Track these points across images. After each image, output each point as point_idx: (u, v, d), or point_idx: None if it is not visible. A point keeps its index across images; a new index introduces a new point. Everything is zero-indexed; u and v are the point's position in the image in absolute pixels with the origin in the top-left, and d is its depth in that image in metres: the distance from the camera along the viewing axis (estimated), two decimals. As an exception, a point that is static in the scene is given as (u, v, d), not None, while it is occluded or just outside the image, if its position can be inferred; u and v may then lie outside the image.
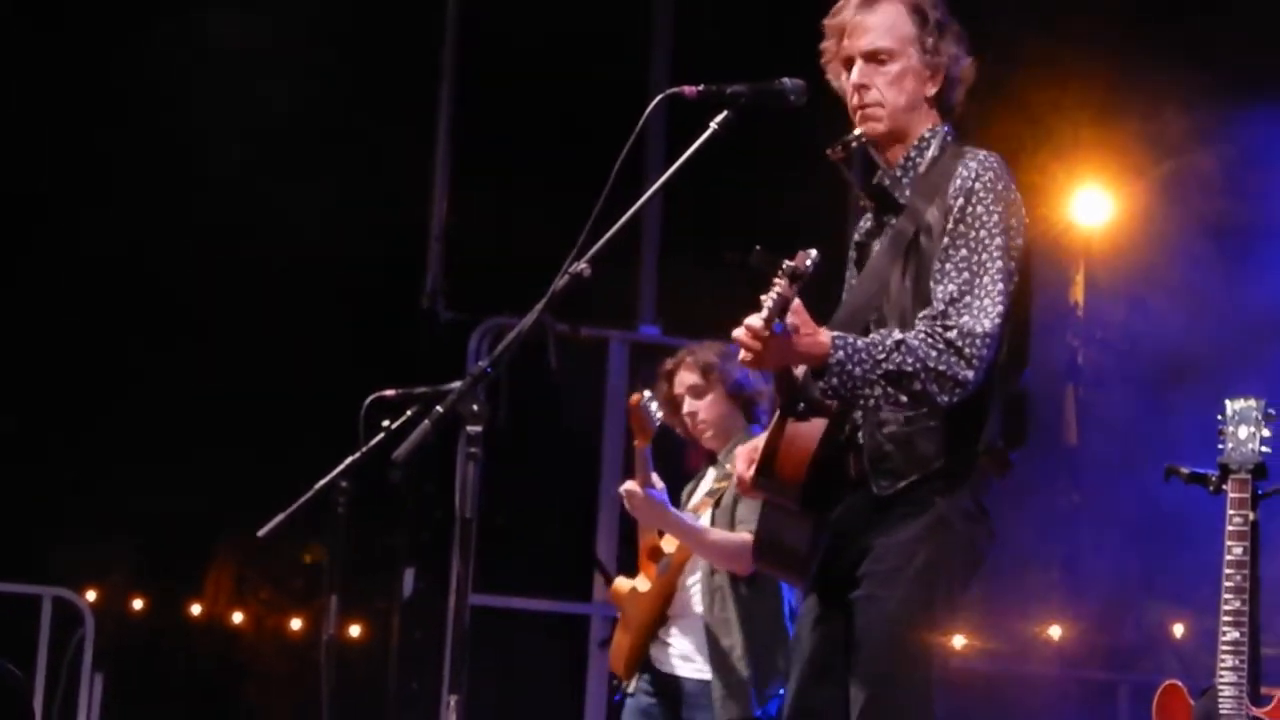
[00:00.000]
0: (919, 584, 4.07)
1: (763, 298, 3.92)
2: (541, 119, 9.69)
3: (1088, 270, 10.42)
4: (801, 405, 4.19)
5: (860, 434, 4.17)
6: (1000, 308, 4.04)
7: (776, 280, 3.89)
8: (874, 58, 4.28)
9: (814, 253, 3.97)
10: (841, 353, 3.96)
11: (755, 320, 3.89)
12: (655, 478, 5.93)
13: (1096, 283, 10.40)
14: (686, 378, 6.09)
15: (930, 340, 4.00)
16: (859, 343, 3.99)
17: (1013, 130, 8.97)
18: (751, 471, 4.28)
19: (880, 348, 3.98)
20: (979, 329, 4.00)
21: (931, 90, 4.30)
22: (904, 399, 4.01)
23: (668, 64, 9.81)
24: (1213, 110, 9.41)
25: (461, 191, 9.67)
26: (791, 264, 3.89)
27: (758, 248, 3.97)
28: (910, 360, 3.97)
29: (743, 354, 4.01)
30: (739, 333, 3.96)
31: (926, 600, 4.09)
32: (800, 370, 4.16)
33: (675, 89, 4.22)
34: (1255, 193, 9.45)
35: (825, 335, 3.97)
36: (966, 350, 3.99)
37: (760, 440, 4.37)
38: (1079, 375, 10.30)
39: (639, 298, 9.77)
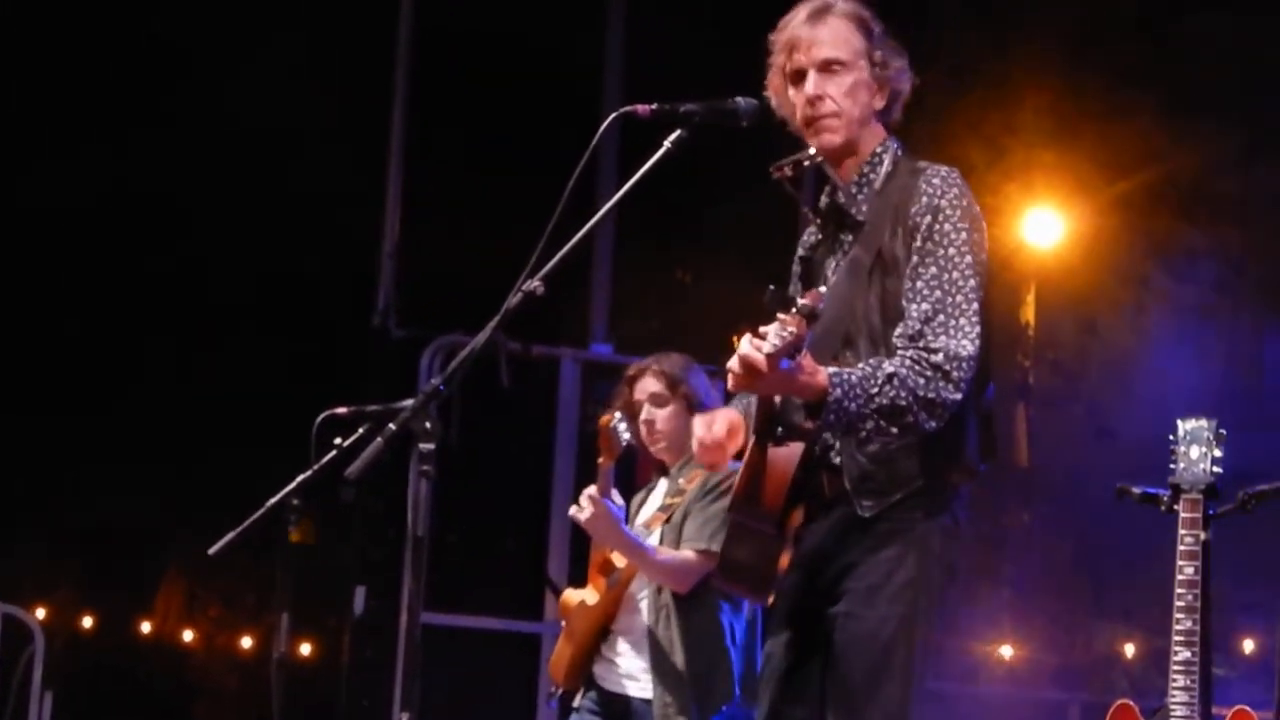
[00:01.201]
0: (900, 602, 4.08)
1: (765, 328, 3.90)
2: (495, 136, 9.68)
3: (1039, 291, 10.47)
4: (780, 430, 4.19)
5: (834, 454, 4.18)
6: (978, 327, 4.06)
7: (788, 318, 3.88)
8: (827, 68, 4.27)
9: (824, 291, 4.00)
10: (839, 390, 3.96)
11: (768, 346, 3.87)
12: (615, 495, 5.97)
13: (1047, 303, 10.46)
14: (649, 385, 6.09)
15: (917, 368, 4.00)
16: (853, 379, 3.99)
17: (965, 150, 9.03)
18: (713, 439, 4.28)
19: (873, 382, 3.99)
20: (962, 351, 4.02)
21: (880, 104, 4.30)
22: (894, 430, 4.03)
23: (621, 82, 9.82)
24: (1164, 130, 9.48)
25: (414, 208, 9.66)
26: (806, 303, 3.90)
27: (771, 288, 3.97)
28: (903, 393, 3.98)
29: (734, 378, 3.99)
30: (747, 352, 3.93)
31: (907, 618, 4.09)
32: (779, 397, 4.17)
33: (628, 108, 4.22)
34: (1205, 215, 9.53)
35: (824, 375, 3.96)
36: (953, 374, 4.01)
37: (719, 410, 4.40)
38: (1030, 395, 10.35)
39: (591, 316, 9.77)
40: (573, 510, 5.89)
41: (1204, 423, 5.36)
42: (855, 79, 4.27)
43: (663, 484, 6.20)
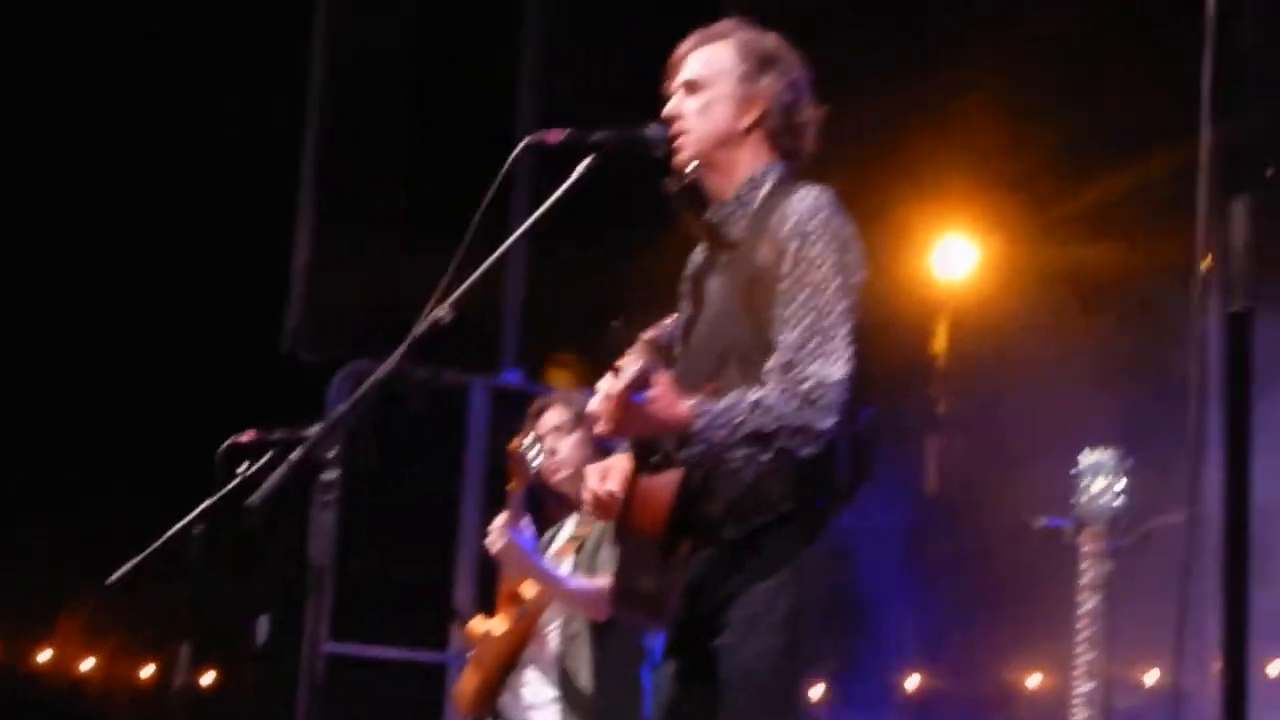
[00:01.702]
0: (781, 632, 4.08)
1: (620, 363, 3.96)
2: (408, 161, 9.67)
3: (951, 320, 10.53)
4: (655, 458, 4.19)
5: (712, 480, 4.16)
6: (849, 351, 4.07)
7: (637, 349, 3.92)
8: (687, 88, 4.35)
9: (671, 321, 4.03)
10: (703, 420, 3.97)
11: (614, 387, 3.92)
12: (526, 521, 5.97)
13: (960, 333, 10.51)
14: (554, 416, 6.14)
15: (787, 396, 4.01)
16: (718, 407, 3.99)
17: (878, 180, 9.07)
18: (606, 492, 4.31)
19: (740, 410, 3.99)
20: (833, 377, 4.03)
21: (746, 121, 4.31)
22: (765, 458, 4.02)
23: (536, 108, 9.85)
24: (1080, 161, 9.56)
25: (326, 233, 9.64)
26: (651, 335, 3.94)
27: (614, 322, 4.01)
28: (771, 420, 3.98)
29: (600, 423, 4.03)
30: (597, 401, 4.00)
31: (789, 647, 4.09)
32: None
33: (539, 135, 4.26)
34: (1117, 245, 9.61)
35: (685, 405, 3.97)
36: (824, 400, 4.01)
37: (613, 460, 4.39)
38: (940, 426, 10.40)
39: (502, 343, 9.78)
40: (487, 540, 5.93)
41: (1108, 454, 5.43)
42: (711, 96, 4.31)
43: (573, 518, 6.23)
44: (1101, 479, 5.38)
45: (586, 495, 4.44)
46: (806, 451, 4.03)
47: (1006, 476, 8.53)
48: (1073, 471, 5.45)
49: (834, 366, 4.05)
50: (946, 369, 10.47)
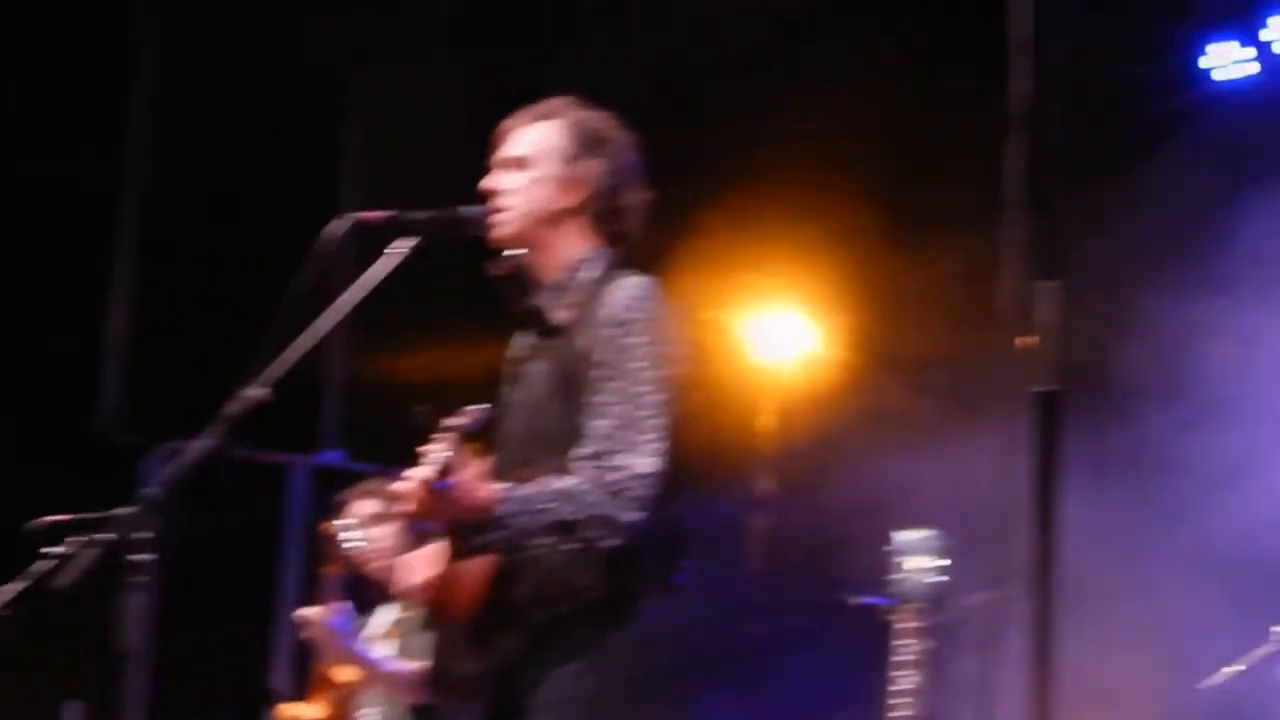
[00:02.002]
0: (583, 716, 4.08)
1: (427, 448, 3.94)
2: (229, 239, 9.60)
3: (777, 401, 10.61)
4: (467, 545, 4.16)
5: (522, 567, 4.14)
6: (660, 444, 4.05)
7: (442, 436, 3.91)
8: (510, 165, 4.34)
9: (478, 408, 4.02)
10: (507, 506, 3.95)
11: (420, 474, 3.90)
12: (342, 607, 5.94)
13: (786, 413, 10.59)
14: (365, 506, 6.13)
15: (593, 485, 3.99)
16: (523, 494, 3.98)
17: (706, 261, 9.15)
18: (420, 588, 4.30)
19: (545, 498, 3.97)
20: (641, 469, 4.01)
21: (568, 203, 4.31)
22: (569, 547, 4.01)
23: (360, 185, 9.85)
24: (901, 244, 9.71)
25: (143, 310, 9.55)
26: (456, 422, 3.93)
27: (419, 407, 3.99)
28: (575, 509, 3.96)
29: (405, 507, 3.99)
30: (402, 487, 3.96)
31: None
32: None
33: (358, 214, 4.27)
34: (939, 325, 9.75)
35: (489, 490, 3.95)
36: (630, 492, 3.99)
37: (426, 549, 4.36)
38: (766, 505, 10.46)
39: (322, 423, 9.73)
40: (302, 611, 5.89)
41: (924, 533, 5.50)
42: (535, 175, 4.31)
43: (392, 602, 6.21)
44: (918, 558, 5.45)
45: (400, 586, 4.43)
46: (609, 543, 4.01)
47: (829, 556, 8.61)
48: (890, 550, 5.52)
49: (643, 459, 4.04)
50: (771, 450, 10.55)
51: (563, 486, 4.00)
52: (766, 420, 10.58)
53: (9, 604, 4.31)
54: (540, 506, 3.98)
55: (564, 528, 3.99)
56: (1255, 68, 9.23)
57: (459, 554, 4.22)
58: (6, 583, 4.13)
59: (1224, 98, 9.31)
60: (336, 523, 6.05)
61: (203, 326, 9.17)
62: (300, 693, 6.30)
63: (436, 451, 3.90)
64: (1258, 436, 7.70)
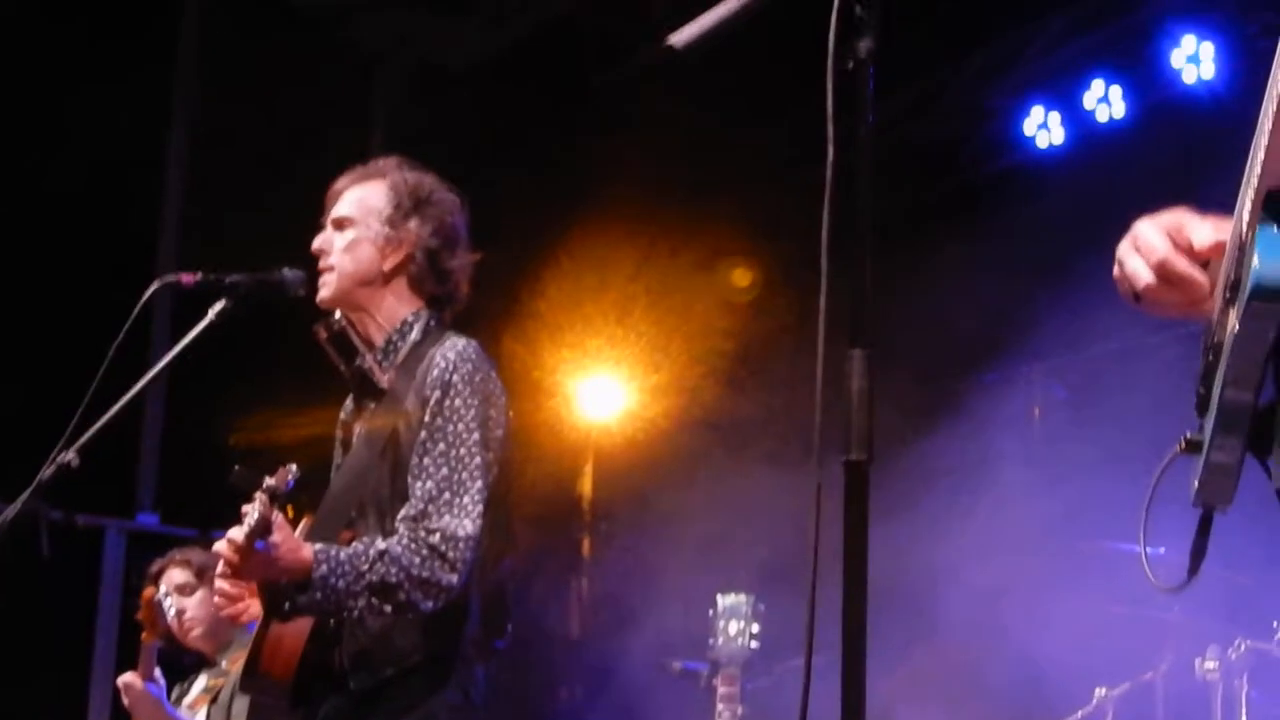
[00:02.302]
0: None
1: (246, 508, 3.91)
2: (46, 297, 9.45)
3: (596, 462, 10.64)
4: (287, 605, 4.13)
5: (341, 630, 4.15)
6: (480, 507, 4.08)
7: (258, 496, 3.90)
8: (336, 225, 4.35)
9: (294, 468, 4.01)
10: (325, 567, 3.95)
11: (237, 535, 3.87)
12: (158, 674, 5.89)
13: (604, 474, 10.62)
14: (176, 575, 6.10)
15: (413, 548, 4.00)
16: (342, 555, 3.98)
17: (525, 324, 9.18)
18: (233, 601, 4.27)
19: (364, 559, 3.98)
20: (461, 532, 4.03)
21: (389, 264, 4.32)
22: (388, 609, 4.01)
23: (176, 249, 9.77)
24: (716, 306, 9.79)
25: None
26: (272, 483, 3.92)
27: (237, 467, 3.97)
28: (394, 570, 3.97)
29: (222, 567, 3.98)
30: (220, 547, 3.93)
31: None
32: None
33: (173, 277, 4.24)
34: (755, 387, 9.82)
35: (307, 550, 3.95)
36: (450, 555, 4.01)
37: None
38: (585, 567, 10.48)
39: (138, 486, 9.62)
40: (120, 679, 5.83)
41: (742, 598, 5.54)
42: (358, 235, 4.31)
43: (206, 670, 6.18)
44: (736, 622, 5.48)
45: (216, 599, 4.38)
46: (428, 606, 4.02)
47: (649, 619, 8.62)
48: (710, 614, 5.55)
49: (464, 521, 4.05)
50: (592, 511, 10.57)
51: (382, 548, 4.00)
52: (586, 482, 10.60)
53: None
54: (360, 568, 3.97)
55: (383, 590, 3.98)
56: (1068, 134, 9.38)
57: (276, 615, 4.18)
58: None
59: (1043, 163, 9.44)
60: (155, 590, 6.00)
61: (18, 389, 9.02)
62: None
63: (254, 511, 3.88)
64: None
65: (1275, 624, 6.11)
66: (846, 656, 2.47)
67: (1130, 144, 8.99)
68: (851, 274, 2.55)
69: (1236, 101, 8.03)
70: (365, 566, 3.98)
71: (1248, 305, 2.33)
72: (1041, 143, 9.44)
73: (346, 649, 4.15)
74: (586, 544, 10.52)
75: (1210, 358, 2.53)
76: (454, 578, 4.01)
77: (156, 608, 5.92)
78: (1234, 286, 2.40)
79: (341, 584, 3.96)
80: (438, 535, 4.01)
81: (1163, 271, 2.51)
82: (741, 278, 9.68)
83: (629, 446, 10.46)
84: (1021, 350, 8.75)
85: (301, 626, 4.16)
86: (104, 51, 9.50)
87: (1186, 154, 8.00)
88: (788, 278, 8.51)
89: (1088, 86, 9.19)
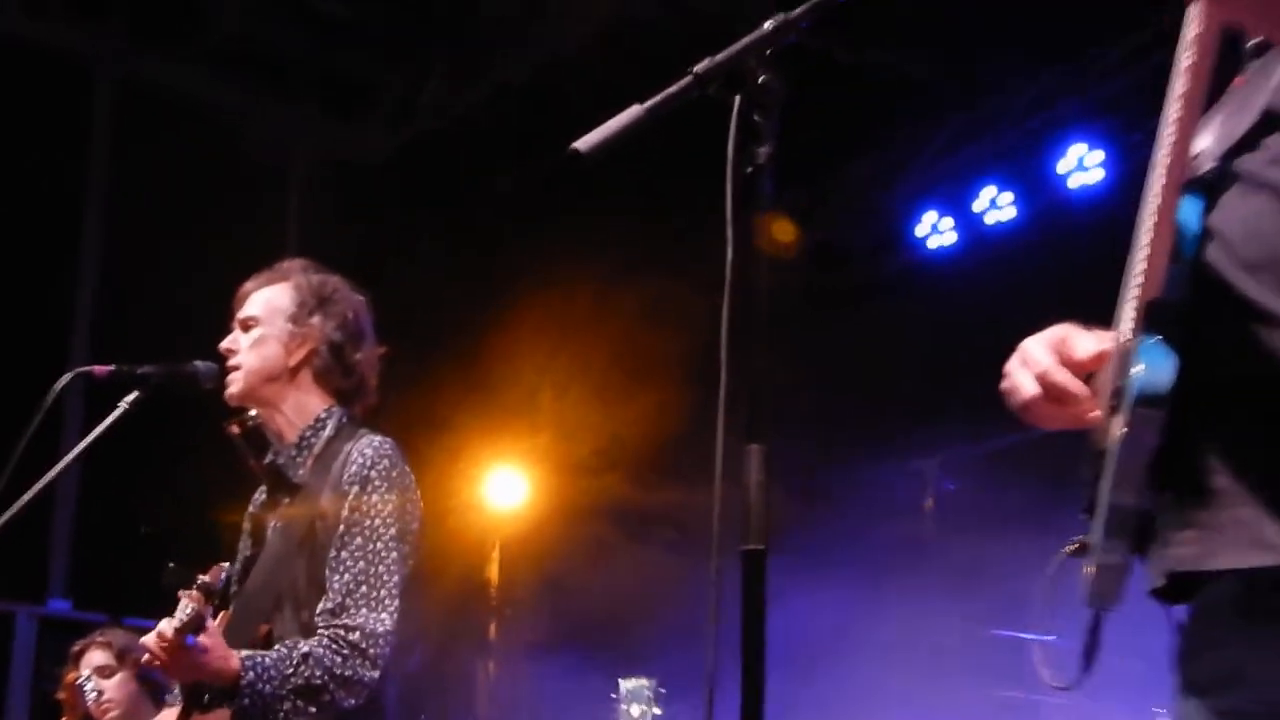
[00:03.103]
0: None
1: (182, 599, 3.88)
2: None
3: (502, 549, 10.63)
4: (207, 697, 4.12)
5: None
6: (396, 600, 4.08)
7: (193, 593, 3.89)
8: (243, 325, 4.36)
9: (227, 566, 4.01)
10: (252, 674, 3.94)
11: (167, 628, 3.85)
12: None
13: (510, 561, 10.61)
14: (95, 657, 6.03)
15: (335, 647, 4.00)
16: (267, 660, 3.96)
17: (429, 415, 9.16)
18: None
19: (289, 663, 3.97)
20: (379, 628, 4.04)
21: (294, 359, 4.34)
22: (313, 709, 4.00)
23: (88, 339, 9.72)
24: (617, 399, 9.81)
25: None
26: (206, 580, 3.90)
27: (171, 564, 3.96)
28: (318, 672, 3.97)
29: (148, 658, 3.97)
30: (149, 640, 3.89)
31: None
32: None
33: (85, 368, 4.23)
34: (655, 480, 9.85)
35: (235, 658, 3.93)
36: (371, 651, 4.02)
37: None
38: (492, 650, 10.44)
39: (50, 572, 9.53)
40: None
41: (644, 681, 5.56)
42: (264, 333, 4.32)
43: None
44: (637, 705, 5.50)
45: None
46: (350, 703, 4.01)
47: (554, 702, 8.59)
48: (613, 696, 5.56)
49: (382, 616, 4.06)
50: (499, 596, 10.55)
51: (306, 651, 3.99)
52: (494, 568, 10.59)
53: None
54: (286, 672, 3.97)
55: (308, 691, 3.98)
56: (959, 236, 9.48)
57: (196, 707, 4.16)
58: None
59: (935, 263, 9.54)
60: (79, 673, 5.95)
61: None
62: None
63: (188, 606, 3.86)
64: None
65: (1153, 709, 6.17)
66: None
67: (1019, 246, 9.11)
68: (747, 373, 2.57)
69: (1121, 207, 8.16)
70: (290, 670, 3.96)
71: (1133, 411, 2.37)
72: (933, 244, 9.56)
73: None
74: (493, 628, 10.48)
75: (1096, 463, 2.57)
76: (375, 674, 4.01)
77: (78, 691, 5.87)
78: (1118, 394, 2.45)
79: (268, 689, 3.94)
80: (357, 633, 4.01)
81: (1045, 383, 2.57)
82: (644, 372, 9.70)
83: (534, 534, 10.47)
84: (916, 443, 8.82)
85: (220, 717, 4.12)
86: (17, 145, 9.47)
87: (1073, 256, 8.09)
88: (688, 373, 8.55)
89: (978, 191, 9.34)
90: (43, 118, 9.79)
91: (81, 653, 6.07)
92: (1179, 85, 2.42)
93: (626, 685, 5.57)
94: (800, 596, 6.61)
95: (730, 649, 2.51)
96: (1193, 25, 2.42)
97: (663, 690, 5.56)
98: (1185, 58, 2.43)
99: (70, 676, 5.94)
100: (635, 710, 5.50)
